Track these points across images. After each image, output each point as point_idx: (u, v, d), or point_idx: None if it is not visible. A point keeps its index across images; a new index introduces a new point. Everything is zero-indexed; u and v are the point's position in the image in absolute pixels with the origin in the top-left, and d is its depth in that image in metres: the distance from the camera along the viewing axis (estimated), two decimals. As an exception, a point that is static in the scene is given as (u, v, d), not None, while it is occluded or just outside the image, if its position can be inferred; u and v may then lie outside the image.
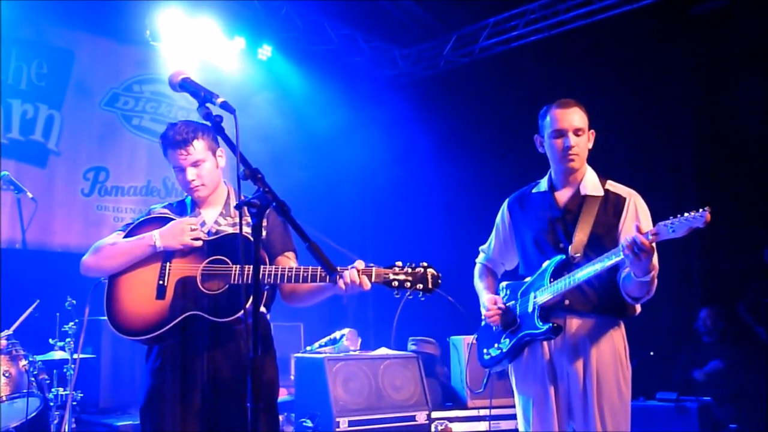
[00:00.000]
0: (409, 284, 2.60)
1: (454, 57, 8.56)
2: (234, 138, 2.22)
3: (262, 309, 2.89)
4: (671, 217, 2.66)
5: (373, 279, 2.62)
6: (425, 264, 2.64)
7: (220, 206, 2.98)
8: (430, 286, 2.61)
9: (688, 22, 6.93)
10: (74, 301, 5.02)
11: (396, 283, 2.60)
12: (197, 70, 7.08)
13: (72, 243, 6.63)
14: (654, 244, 2.71)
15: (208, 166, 2.90)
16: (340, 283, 2.61)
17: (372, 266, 2.63)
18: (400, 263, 2.64)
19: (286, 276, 2.68)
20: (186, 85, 2.45)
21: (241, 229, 2.27)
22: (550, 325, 3.00)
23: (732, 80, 6.71)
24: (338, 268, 2.55)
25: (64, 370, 5.00)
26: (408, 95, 8.98)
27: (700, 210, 2.60)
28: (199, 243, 2.79)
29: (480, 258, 3.58)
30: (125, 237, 2.88)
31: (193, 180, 2.88)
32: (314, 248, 2.10)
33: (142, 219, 2.94)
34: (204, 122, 2.50)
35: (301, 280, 2.68)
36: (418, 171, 8.47)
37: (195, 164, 2.87)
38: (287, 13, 7.97)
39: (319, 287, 2.81)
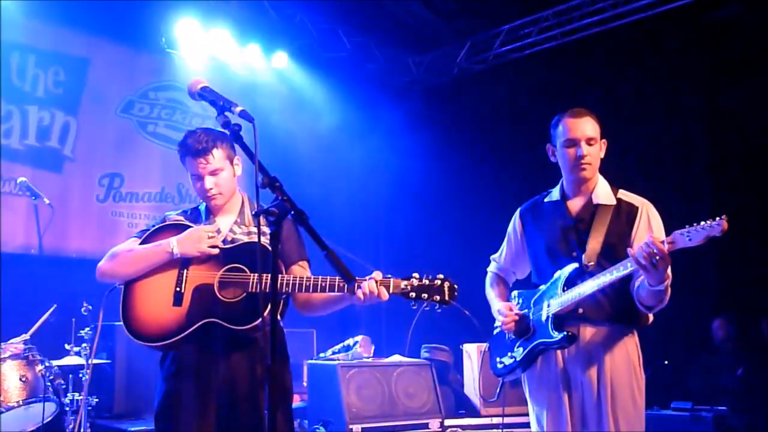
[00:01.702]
0: (426, 296, 2.63)
1: (467, 64, 8.58)
2: (252, 146, 2.24)
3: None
4: (687, 226, 2.67)
5: (391, 290, 2.64)
6: (442, 276, 2.66)
7: (235, 214, 3.01)
8: (447, 298, 2.64)
9: (701, 29, 6.92)
10: (90, 307, 5.07)
11: (413, 294, 2.63)
12: (212, 78, 7.14)
13: (87, 249, 6.70)
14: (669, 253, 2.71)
15: (225, 175, 2.93)
16: (359, 293, 2.63)
17: (390, 277, 2.65)
18: (417, 275, 2.66)
19: (304, 285, 2.70)
20: (205, 94, 2.47)
21: (259, 237, 2.29)
22: (565, 333, 3.01)
23: (746, 87, 6.69)
24: (356, 278, 2.57)
25: (80, 375, 5.05)
26: (421, 102, 9.02)
27: (717, 218, 2.60)
28: (216, 251, 2.82)
29: (491, 267, 3.59)
30: (141, 243, 2.91)
31: (211, 189, 2.91)
32: (333, 257, 2.13)
33: (158, 226, 2.97)
34: (222, 130, 2.54)
35: (319, 290, 2.70)
36: (432, 178, 8.49)
37: (213, 173, 2.90)
38: (301, 21, 8.03)
39: (335, 297, 2.82)
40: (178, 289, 2.80)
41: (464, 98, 8.75)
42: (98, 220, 7.02)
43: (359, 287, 2.62)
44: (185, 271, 2.83)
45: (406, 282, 2.65)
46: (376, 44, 8.57)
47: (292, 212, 2.17)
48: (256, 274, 2.72)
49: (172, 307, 2.78)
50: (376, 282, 2.62)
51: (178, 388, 2.82)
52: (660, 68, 7.10)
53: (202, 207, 3.04)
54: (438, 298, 2.63)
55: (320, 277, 2.72)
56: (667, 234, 2.76)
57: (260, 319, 2.64)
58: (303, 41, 8.17)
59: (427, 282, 2.64)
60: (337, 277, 2.66)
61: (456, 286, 2.65)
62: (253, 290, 2.71)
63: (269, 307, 2.54)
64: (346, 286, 2.65)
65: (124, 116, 7.34)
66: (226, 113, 2.38)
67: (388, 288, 2.63)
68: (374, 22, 8.19)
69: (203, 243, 2.81)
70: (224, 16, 7.58)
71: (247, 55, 7.93)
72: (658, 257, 2.68)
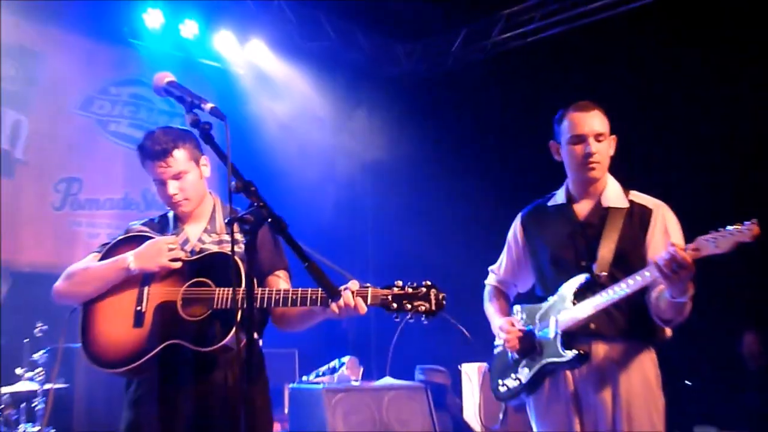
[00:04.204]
0: (409, 307, 2.57)
1: (463, 53, 8.61)
2: (224, 147, 2.24)
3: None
4: (712, 231, 2.67)
5: (369, 301, 2.59)
6: (428, 283, 2.61)
7: (205, 221, 2.99)
8: (433, 308, 2.57)
9: (726, 12, 6.89)
10: (45, 327, 5.04)
11: (395, 305, 2.57)
12: (180, 71, 7.12)
13: (42, 262, 6.66)
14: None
15: (191, 178, 2.91)
16: (333, 306, 2.59)
17: (368, 287, 2.61)
18: (400, 283, 2.61)
19: (273, 299, 2.67)
20: (172, 89, 2.45)
21: (233, 247, 2.28)
22: (577, 352, 3.01)
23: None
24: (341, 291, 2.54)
25: (34, 403, 5.01)
26: (413, 96, 9.02)
27: (746, 222, 2.61)
28: (178, 264, 2.80)
29: (490, 279, 3.59)
30: (101, 259, 2.90)
31: (175, 194, 2.89)
32: (314, 269, 2.11)
33: (120, 238, 2.96)
34: (186, 128, 2.52)
35: (290, 304, 2.67)
36: (424, 180, 8.49)
37: (176, 177, 2.88)
38: (279, 6, 8.03)
39: (309, 311, 2.79)
40: (138, 308, 2.79)
41: (460, 91, 8.76)
42: (54, 230, 6.99)
43: (333, 300, 2.59)
44: (147, 288, 2.82)
45: (386, 291, 2.59)
46: (362, 31, 8.59)
47: (269, 219, 2.16)
48: (222, 289, 2.71)
49: (133, 329, 2.77)
50: (352, 293, 2.58)
51: (143, 417, 2.80)
52: (676, 56, 7.09)
53: (171, 214, 3.03)
54: (423, 308, 2.57)
55: (291, 289, 2.70)
56: (690, 239, 2.76)
57: (228, 339, 2.64)
58: (281, 28, 8.17)
59: (410, 290, 2.58)
60: (309, 289, 2.64)
61: (444, 295, 2.59)
62: (219, 307, 2.70)
63: (236, 325, 2.54)
64: (319, 298, 2.63)
65: (83, 114, 7.32)
66: (196, 111, 2.36)
67: (365, 299, 2.58)
68: (360, 8, 8.19)
69: (163, 256, 2.79)
70: (193, 1, 7.58)
71: (218, 44, 7.92)
72: (680, 266, 2.68)
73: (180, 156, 2.88)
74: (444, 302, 2.59)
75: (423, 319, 2.60)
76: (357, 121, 8.46)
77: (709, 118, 7.05)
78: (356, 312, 2.59)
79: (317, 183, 8.27)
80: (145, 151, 2.88)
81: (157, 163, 2.86)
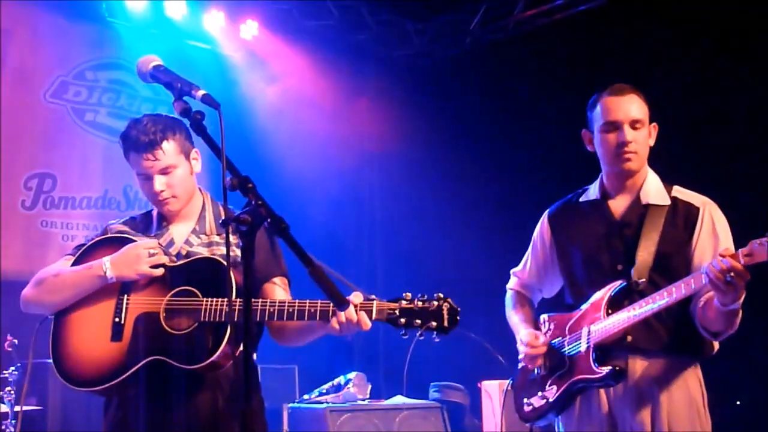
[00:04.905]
0: (419, 322, 2.58)
1: (483, 32, 8.59)
2: (218, 139, 2.23)
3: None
4: (767, 234, 2.65)
5: (374, 316, 2.61)
6: (441, 296, 2.62)
7: (194, 221, 3.00)
8: (446, 324, 2.59)
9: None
10: (15, 341, 5.05)
11: (403, 320, 2.59)
12: (166, 54, 7.12)
13: (11, 268, 6.66)
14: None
15: (180, 173, 2.92)
16: (333, 322, 2.61)
17: (373, 299, 2.63)
18: (409, 295, 2.63)
19: (267, 312, 2.69)
20: (159, 75, 2.46)
21: (228, 251, 2.28)
22: (611, 368, 3.01)
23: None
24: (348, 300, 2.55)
25: (3, 426, 5.02)
26: (424, 81, 9.02)
27: None
28: (160, 271, 2.81)
29: (512, 283, 3.60)
30: (75, 263, 2.91)
31: (162, 191, 2.89)
32: (319, 274, 2.11)
33: (96, 240, 2.97)
34: (175, 116, 2.52)
35: (285, 317, 2.68)
36: (437, 174, 8.47)
37: (164, 171, 2.88)
38: (276, -19, 8.04)
39: (308, 325, 2.80)
40: (116, 319, 2.81)
41: (478, 75, 8.74)
42: (24, 232, 7.00)
43: (334, 314, 2.60)
44: (126, 297, 2.83)
45: (393, 305, 2.61)
46: (369, 9, 8.57)
47: (269, 220, 2.16)
48: (211, 300, 2.72)
49: (111, 343, 2.78)
50: (355, 306, 2.59)
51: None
52: (733, 31, 6.93)
53: (155, 212, 3.04)
54: (435, 324, 2.58)
55: (288, 301, 2.71)
56: (741, 244, 2.74)
57: (217, 355, 2.65)
58: (278, 6, 8.17)
59: (420, 304, 2.60)
60: (308, 302, 2.66)
61: (458, 309, 2.61)
62: (207, 319, 2.71)
63: (227, 340, 2.57)
64: (318, 312, 2.64)
65: (56, 102, 7.33)
66: (185, 98, 2.36)
67: (370, 313, 2.60)
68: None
69: (142, 263, 2.80)
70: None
71: (208, 24, 7.93)
72: (733, 274, 2.67)
73: (170, 149, 2.88)
74: (458, 318, 2.61)
75: (434, 336, 2.61)
76: (362, 108, 8.45)
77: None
78: (359, 328, 2.62)
79: (315, 178, 8.25)
80: (131, 142, 2.88)
81: (144, 156, 2.86)
